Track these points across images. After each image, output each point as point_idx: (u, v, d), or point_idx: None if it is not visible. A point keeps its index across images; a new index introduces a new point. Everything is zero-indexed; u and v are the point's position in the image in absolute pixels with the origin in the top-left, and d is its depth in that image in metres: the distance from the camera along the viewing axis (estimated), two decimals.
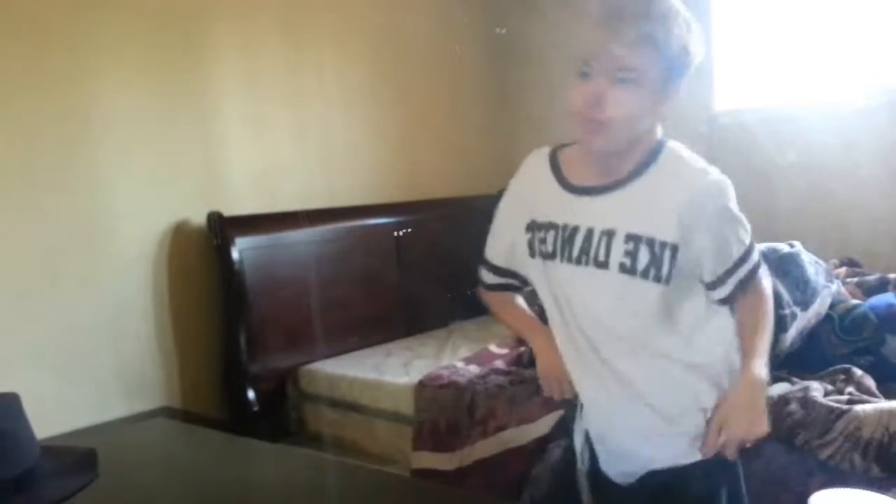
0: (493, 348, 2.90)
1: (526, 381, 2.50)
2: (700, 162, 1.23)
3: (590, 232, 1.21)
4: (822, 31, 3.25)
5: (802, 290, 2.22)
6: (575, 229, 1.22)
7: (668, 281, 1.18)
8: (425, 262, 3.53)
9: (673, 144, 1.23)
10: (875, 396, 1.93)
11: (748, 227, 1.25)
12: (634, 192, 1.20)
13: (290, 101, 3.27)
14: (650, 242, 1.17)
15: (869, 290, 2.52)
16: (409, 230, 3.52)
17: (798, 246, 2.38)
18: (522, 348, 2.76)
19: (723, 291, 1.24)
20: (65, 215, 2.60)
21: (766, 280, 1.31)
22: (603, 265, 1.20)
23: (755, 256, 1.26)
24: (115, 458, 1.42)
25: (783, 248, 2.34)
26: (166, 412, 2.75)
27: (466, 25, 4.03)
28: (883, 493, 0.95)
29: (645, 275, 1.18)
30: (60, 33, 2.58)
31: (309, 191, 3.30)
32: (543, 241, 1.25)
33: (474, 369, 2.66)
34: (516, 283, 1.39)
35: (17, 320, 2.48)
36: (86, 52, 2.64)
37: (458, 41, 4.00)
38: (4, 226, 2.46)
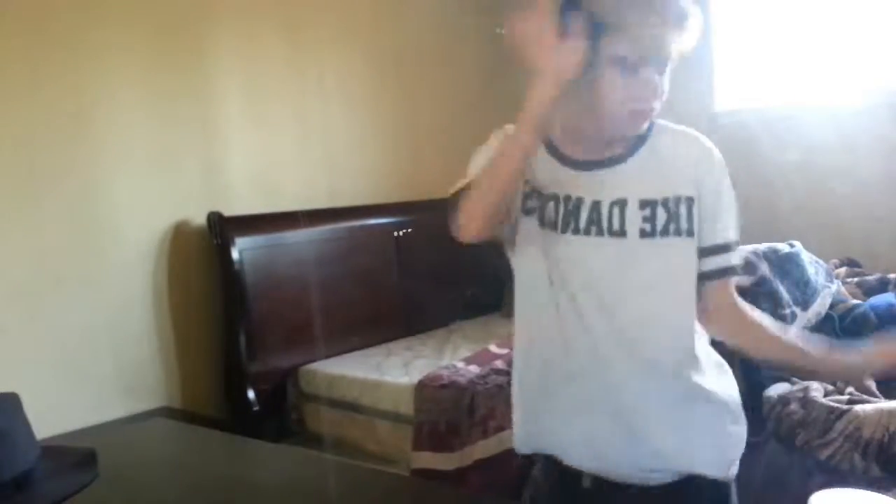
0: (493, 348, 2.90)
1: None
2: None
3: (596, 204, 1.21)
4: (822, 32, 3.25)
5: (802, 290, 2.22)
6: (579, 201, 1.21)
7: (690, 233, 1.20)
8: (425, 262, 3.53)
9: (659, 120, 1.25)
10: (875, 396, 1.93)
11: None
12: (641, 161, 1.22)
13: (291, 102, 3.27)
14: (665, 202, 1.20)
15: (869, 290, 2.52)
16: (409, 230, 3.52)
17: (798, 246, 2.38)
18: None
19: (707, 265, 1.24)
20: (65, 215, 2.60)
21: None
22: (619, 233, 1.20)
23: (730, 259, 1.26)
24: (115, 458, 1.42)
25: (783, 248, 2.34)
26: (166, 412, 2.75)
27: (466, 25, 4.03)
28: (883, 493, 0.94)
29: (665, 232, 1.20)
30: (61, 34, 2.58)
31: (309, 191, 3.30)
32: (543, 208, 1.23)
33: (474, 369, 2.66)
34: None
35: (18, 320, 2.48)
36: (87, 52, 2.64)
37: (458, 41, 4.00)
38: (5, 226, 2.46)
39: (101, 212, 2.70)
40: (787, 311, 2.16)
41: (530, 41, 1.11)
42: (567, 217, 1.22)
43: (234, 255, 2.87)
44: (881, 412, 1.78)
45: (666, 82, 1.17)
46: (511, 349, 2.95)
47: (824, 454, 1.79)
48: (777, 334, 1.27)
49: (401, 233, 3.50)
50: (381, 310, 3.42)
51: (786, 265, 2.26)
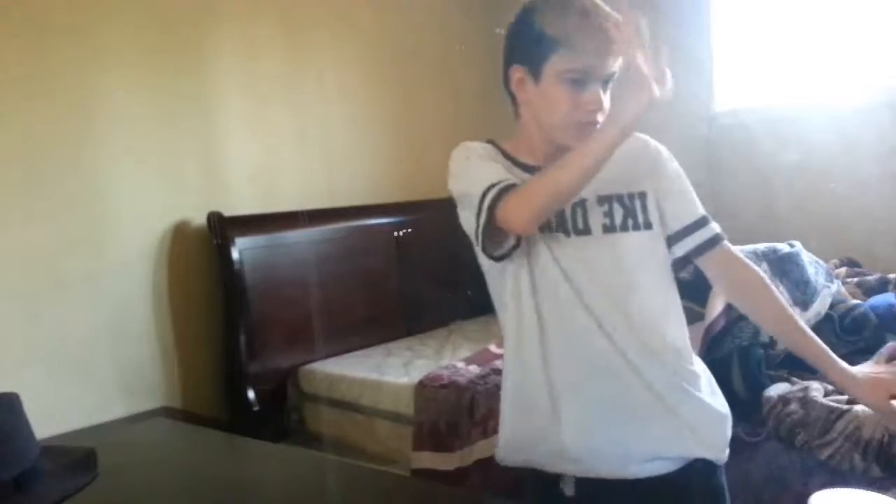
0: (493, 348, 2.90)
1: None
2: None
3: None
4: (823, 31, 3.25)
5: (802, 290, 2.22)
6: None
7: (648, 226, 1.27)
8: (425, 262, 3.53)
9: None
10: None
11: None
12: None
13: (291, 102, 3.28)
14: (619, 198, 1.27)
15: (869, 290, 2.52)
16: (409, 230, 3.52)
17: (798, 246, 2.38)
18: None
19: (683, 248, 1.30)
20: (65, 216, 2.60)
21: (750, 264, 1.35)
22: (585, 231, 1.25)
23: (716, 227, 1.32)
24: (115, 458, 1.42)
25: (783, 248, 2.34)
26: (166, 412, 2.75)
27: (466, 25, 4.03)
28: (883, 493, 0.94)
29: (625, 227, 1.26)
30: (62, 34, 2.58)
31: (309, 191, 3.30)
32: None
33: (474, 369, 2.66)
34: None
35: (18, 320, 2.48)
36: (87, 52, 2.64)
37: (458, 41, 3.99)
38: (5, 226, 2.46)
39: (102, 212, 2.70)
40: None
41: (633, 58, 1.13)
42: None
43: (234, 255, 2.87)
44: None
45: (608, 98, 1.24)
46: None
47: (824, 454, 1.78)
48: (786, 307, 1.34)
49: (401, 233, 3.51)
50: (381, 310, 3.43)
51: (786, 265, 2.26)
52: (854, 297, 2.42)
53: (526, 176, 1.27)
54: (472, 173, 1.27)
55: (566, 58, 1.20)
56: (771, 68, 3.41)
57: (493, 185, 1.20)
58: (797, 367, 2.14)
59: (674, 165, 1.32)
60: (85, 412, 2.55)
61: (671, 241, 1.30)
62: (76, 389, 2.60)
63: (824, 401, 1.87)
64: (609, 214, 1.26)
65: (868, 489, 0.97)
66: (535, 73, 1.24)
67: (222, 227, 2.88)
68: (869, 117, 3.07)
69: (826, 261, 2.51)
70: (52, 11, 2.55)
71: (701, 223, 1.30)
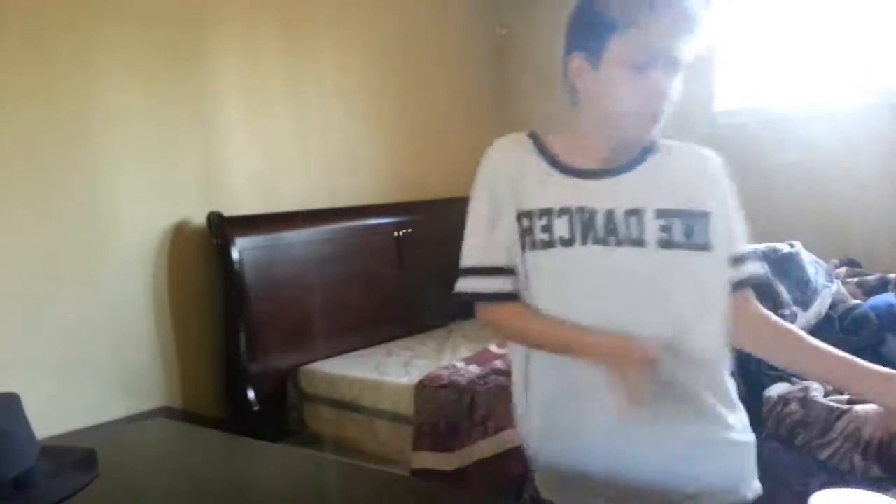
0: (493, 348, 2.90)
1: None
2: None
3: (610, 213, 1.17)
4: (823, 32, 3.25)
5: (802, 290, 2.22)
6: (593, 212, 1.18)
7: (706, 248, 1.18)
8: (425, 262, 3.53)
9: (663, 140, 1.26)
10: None
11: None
12: (651, 172, 1.21)
13: (290, 102, 3.28)
14: (680, 214, 1.18)
15: (869, 290, 2.52)
16: (410, 230, 3.52)
17: (798, 246, 2.38)
18: None
19: (745, 270, 1.23)
20: (65, 215, 2.60)
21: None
22: (639, 242, 1.16)
23: (751, 270, 1.25)
24: (115, 458, 1.42)
25: (783, 248, 2.34)
26: (166, 412, 2.75)
27: (466, 25, 4.03)
28: (883, 493, 0.94)
29: (683, 245, 1.17)
30: (62, 34, 2.58)
31: (309, 191, 3.31)
32: (548, 228, 1.19)
33: (474, 369, 2.66)
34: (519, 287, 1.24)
35: (18, 320, 2.48)
36: (87, 52, 2.64)
37: (458, 41, 4.00)
38: (5, 226, 2.46)
39: (102, 212, 2.70)
40: (787, 311, 2.16)
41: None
42: (585, 228, 1.18)
43: (234, 255, 2.87)
44: (881, 412, 1.78)
45: (676, 86, 1.15)
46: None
47: (824, 454, 1.79)
48: (815, 344, 1.25)
49: (401, 233, 3.51)
50: (381, 310, 3.43)
51: (786, 265, 2.26)
52: (854, 297, 2.42)
53: (565, 181, 1.21)
54: (469, 219, 1.27)
55: (628, 37, 1.10)
56: (771, 69, 3.41)
57: (471, 274, 1.24)
58: None
59: (729, 195, 1.24)
60: (85, 412, 2.54)
61: (739, 260, 1.23)
62: (76, 389, 2.60)
63: (824, 401, 1.87)
64: (668, 229, 1.17)
65: (868, 489, 0.97)
66: (595, 58, 1.15)
67: (222, 227, 2.88)
68: (869, 117, 3.07)
69: (826, 261, 2.51)
70: (51, 10, 2.55)
71: (736, 261, 1.22)
